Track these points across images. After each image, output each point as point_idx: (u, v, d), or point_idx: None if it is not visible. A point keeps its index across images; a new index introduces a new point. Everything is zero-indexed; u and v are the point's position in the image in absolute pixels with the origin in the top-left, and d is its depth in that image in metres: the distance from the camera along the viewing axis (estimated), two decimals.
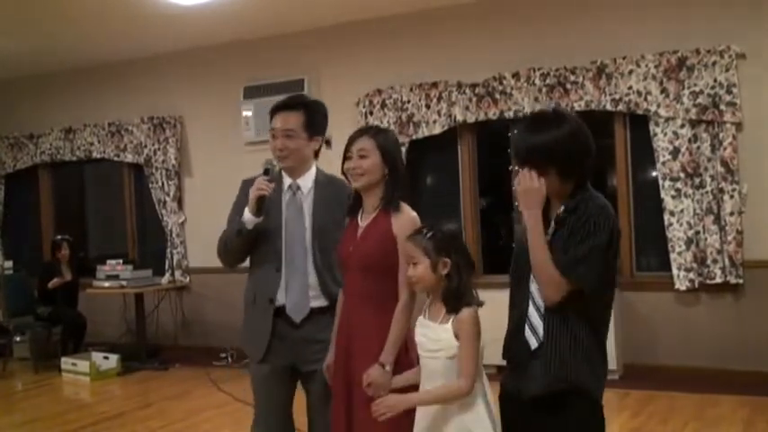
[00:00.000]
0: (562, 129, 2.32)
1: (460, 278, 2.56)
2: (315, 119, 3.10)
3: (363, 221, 2.88)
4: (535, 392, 2.34)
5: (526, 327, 2.37)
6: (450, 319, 2.54)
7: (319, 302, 3.06)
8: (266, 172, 3.04)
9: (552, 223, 2.37)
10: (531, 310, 2.37)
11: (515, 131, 2.47)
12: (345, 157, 2.87)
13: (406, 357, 2.80)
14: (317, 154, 3.18)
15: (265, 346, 3.06)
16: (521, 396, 2.39)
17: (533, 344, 2.35)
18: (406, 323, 2.77)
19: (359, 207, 2.91)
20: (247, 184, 3.13)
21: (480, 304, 2.58)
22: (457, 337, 2.51)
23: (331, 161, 3.26)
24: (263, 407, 3.17)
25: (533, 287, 2.37)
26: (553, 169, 2.32)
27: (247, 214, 3.01)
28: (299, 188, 3.12)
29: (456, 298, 2.54)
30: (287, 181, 3.13)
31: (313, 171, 3.16)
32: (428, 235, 2.59)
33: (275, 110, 3.11)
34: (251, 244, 3.08)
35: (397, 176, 2.84)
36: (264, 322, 3.07)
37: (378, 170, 2.81)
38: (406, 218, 2.80)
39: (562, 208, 2.36)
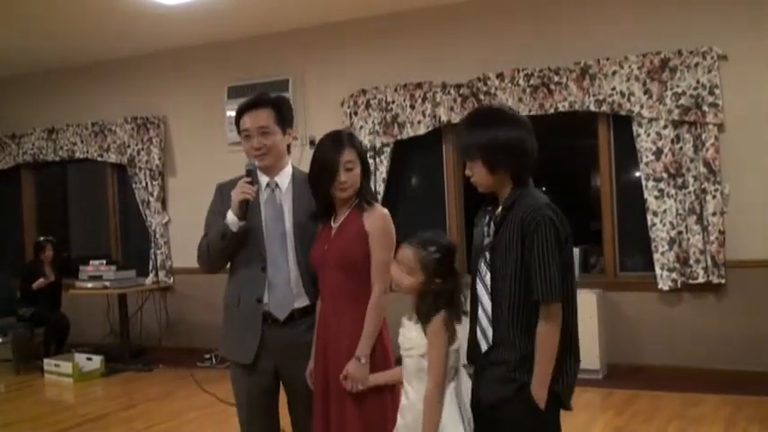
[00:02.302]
0: (499, 128, 2.38)
1: (443, 296, 2.54)
2: (284, 113, 3.09)
3: (336, 222, 2.91)
4: (491, 402, 2.37)
5: (477, 330, 2.41)
6: None
7: (301, 302, 3.03)
8: (248, 173, 3.00)
9: (492, 225, 2.41)
10: (480, 313, 2.41)
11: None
12: (334, 171, 2.87)
13: (386, 356, 2.83)
14: (289, 149, 3.17)
15: (256, 348, 3.00)
16: (480, 402, 2.42)
17: (483, 347, 2.39)
18: (380, 316, 2.80)
19: (332, 211, 2.94)
20: (223, 188, 3.11)
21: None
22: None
23: None
24: (249, 414, 3.11)
25: (479, 288, 2.41)
26: (479, 159, 2.39)
27: (231, 217, 2.96)
28: (277, 186, 3.09)
29: (434, 309, 2.53)
30: (264, 179, 3.10)
31: (289, 168, 3.14)
32: (434, 254, 2.55)
33: (243, 110, 3.07)
34: (235, 247, 3.04)
35: (368, 176, 2.95)
36: (253, 323, 3.02)
37: (359, 179, 2.88)
38: (378, 214, 2.86)
39: (500, 208, 2.40)
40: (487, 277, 2.39)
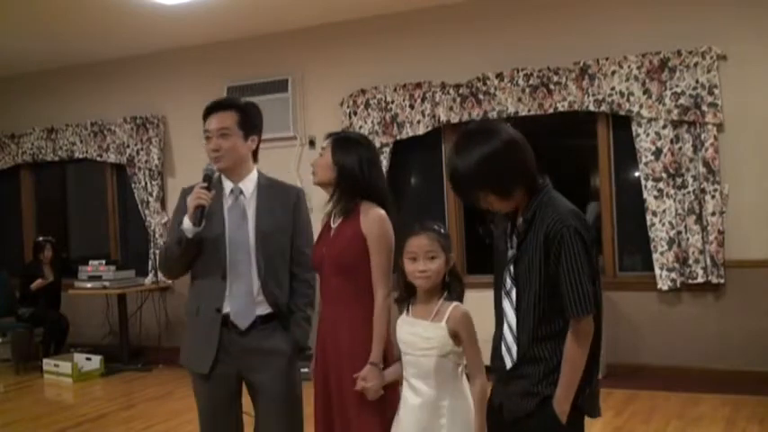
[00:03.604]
0: (483, 148, 2.23)
1: (458, 270, 2.71)
2: (249, 118, 3.03)
3: (335, 223, 2.90)
4: (513, 415, 2.33)
5: (502, 345, 2.36)
6: (445, 317, 2.57)
7: (263, 309, 2.98)
8: (206, 179, 2.97)
9: (514, 238, 2.33)
10: (505, 329, 2.35)
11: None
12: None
13: (388, 354, 2.82)
14: (255, 156, 3.10)
15: (212, 358, 2.96)
16: (503, 413, 2.38)
17: (508, 363, 2.33)
18: (387, 320, 2.79)
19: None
20: (187, 192, 3.05)
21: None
22: (453, 336, 2.55)
23: None
24: (210, 420, 3.08)
25: (505, 304, 2.35)
26: (488, 191, 2.26)
27: (187, 223, 2.90)
28: (241, 192, 3.04)
29: (462, 286, 2.66)
30: (228, 185, 3.05)
31: (254, 174, 3.09)
32: (442, 231, 2.66)
33: (208, 112, 3.04)
34: (192, 253, 2.98)
35: (346, 184, 2.84)
36: (210, 333, 2.97)
37: (328, 172, 2.85)
38: (374, 217, 2.82)
39: (521, 220, 2.31)
40: (513, 292, 2.32)
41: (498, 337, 2.39)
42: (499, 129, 2.30)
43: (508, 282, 2.34)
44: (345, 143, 2.90)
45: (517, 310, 2.30)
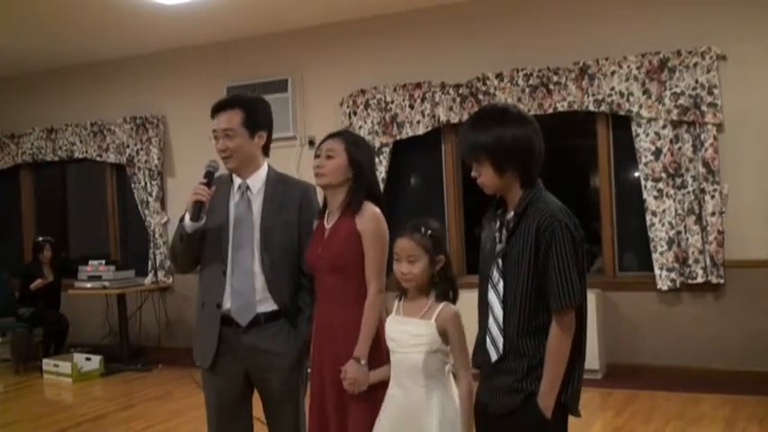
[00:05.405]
0: (505, 127, 2.32)
1: (452, 271, 2.68)
2: (254, 115, 3.02)
3: (329, 223, 2.90)
4: (498, 411, 2.34)
5: (487, 338, 2.37)
6: (434, 316, 2.58)
7: (267, 306, 2.97)
8: (207, 175, 2.98)
9: (504, 231, 2.36)
10: (491, 322, 2.37)
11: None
12: (315, 155, 2.92)
13: (380, 354, 2.81)
14: (266, 151, 3.10)
15: (213, 353, 2.98)
16: (488, 410, 2.39)
17: (493, 356, 2.35)
18: (376, 316, 2.79)
19: (325, 208, 2.94)
20: None
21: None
22: (441, 334, 2.56)
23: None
24: (217, 416, 3.07)
25: (491, 296, 2.37)
26: (488, 162, 2.33)
27: (186, 218, 2.94)
28: (248, 188, 3.04)
29: (452, 288, 2.64)
30: (237, 181, 3.06)
31: (264, 170, 3.08)
32: (428, 233, 2.63)
33: (214, 111, 3.05)
34: (195, 248, 3.01)
35: (361, 183, 2.86)
36: (212, 328, 3.00)
37: (341, 173, 2.85)
38: (370, 214, 2.83)
39: (512, 213, 2.35)
40: (500, 285, 2.34)
41: (483, 333, 2.40)
42: (527, 120, 2.39)
43: (495, 275, 2.36)
44: (357, 142, 2.94)
45: (504, 302, 2.33)
